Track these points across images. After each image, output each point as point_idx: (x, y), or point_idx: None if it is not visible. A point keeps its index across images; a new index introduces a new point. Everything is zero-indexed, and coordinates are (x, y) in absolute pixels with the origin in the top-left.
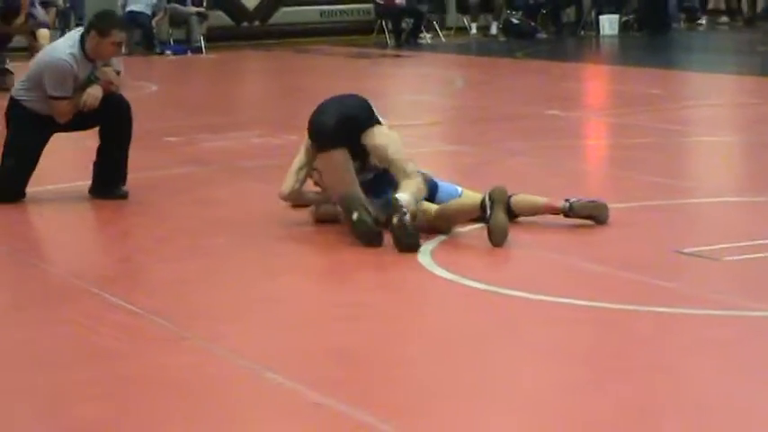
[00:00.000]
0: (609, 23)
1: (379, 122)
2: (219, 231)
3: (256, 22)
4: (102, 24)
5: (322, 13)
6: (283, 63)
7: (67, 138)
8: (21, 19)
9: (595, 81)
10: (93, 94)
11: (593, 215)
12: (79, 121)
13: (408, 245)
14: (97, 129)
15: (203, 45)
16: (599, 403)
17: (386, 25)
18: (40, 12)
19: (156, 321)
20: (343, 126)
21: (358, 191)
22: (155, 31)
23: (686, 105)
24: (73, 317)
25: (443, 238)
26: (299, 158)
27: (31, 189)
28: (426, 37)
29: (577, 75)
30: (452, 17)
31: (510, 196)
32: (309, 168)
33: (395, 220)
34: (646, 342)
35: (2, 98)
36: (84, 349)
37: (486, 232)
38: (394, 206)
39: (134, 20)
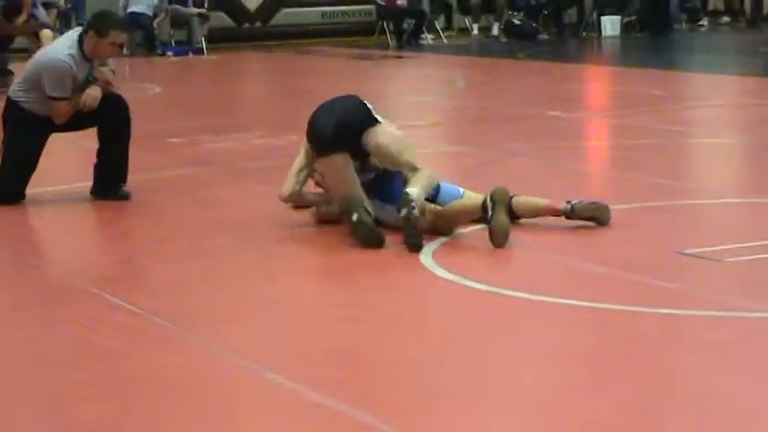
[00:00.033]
0: (610, 24)
1: (377, 121)
2: (220, 232)
3: (258, 24)
4: (100, 25)
5: (323, 14)
6: (285, 64)
7: (67, 138)
8: (22, 18)
9: (597, 82)
10: (93, 94)
11: (595, 217)
12: (77, 122)
13: (410, 245)
14: (96, 130)
15: (204, 46)
16: (600, 404)
17: (387, 26)
18: (41, 13)
19: (156, 322)
20: (342, 131)
21: (359, 191)
22: (156, 32)
23: (688, 106)
24: (73, 317)
25: (445, 238)
26: (299, 160)
27: (30, 190)
28: (427, 38)
29: (579, 76)
30: (447, 18)
31: (511, 197)
32: (309, 170)
33: (403, 212)
34: (647, 343)
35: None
36: (85, 349)
37: (487, 233)
38: (404, 200)
39: (135, 21)
